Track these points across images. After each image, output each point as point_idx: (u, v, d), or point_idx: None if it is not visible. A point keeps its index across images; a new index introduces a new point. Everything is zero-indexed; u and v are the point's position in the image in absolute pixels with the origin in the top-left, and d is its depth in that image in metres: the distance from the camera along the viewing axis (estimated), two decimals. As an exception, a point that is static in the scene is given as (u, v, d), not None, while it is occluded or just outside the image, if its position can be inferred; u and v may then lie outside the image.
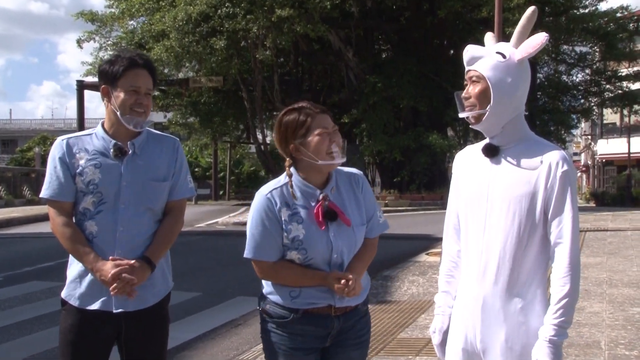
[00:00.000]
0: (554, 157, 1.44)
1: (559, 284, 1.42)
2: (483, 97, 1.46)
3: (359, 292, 1.59)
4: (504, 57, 1.46)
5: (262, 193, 1.63)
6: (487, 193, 1.50)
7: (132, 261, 1.72)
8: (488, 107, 1.46)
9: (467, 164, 1.58)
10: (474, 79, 1.48)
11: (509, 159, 1.49)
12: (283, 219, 1.59)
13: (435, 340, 1.62)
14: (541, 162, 1.44)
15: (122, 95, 1.75)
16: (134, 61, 1.77)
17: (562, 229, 1.43)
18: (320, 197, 1.60)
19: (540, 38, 1.46)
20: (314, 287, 1.60)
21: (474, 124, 1.51)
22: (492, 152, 1.51)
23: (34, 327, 4.25)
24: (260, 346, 2.54)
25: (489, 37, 1.57)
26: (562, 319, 1.41)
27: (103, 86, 1.79)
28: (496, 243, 1.48)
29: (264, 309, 1.66)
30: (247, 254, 1.63)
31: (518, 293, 1.47)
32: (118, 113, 1.76)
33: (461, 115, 1.52)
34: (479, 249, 1.51)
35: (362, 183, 1.69)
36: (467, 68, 1.51)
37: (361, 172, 1.74)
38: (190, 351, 3.74)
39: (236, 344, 3.86)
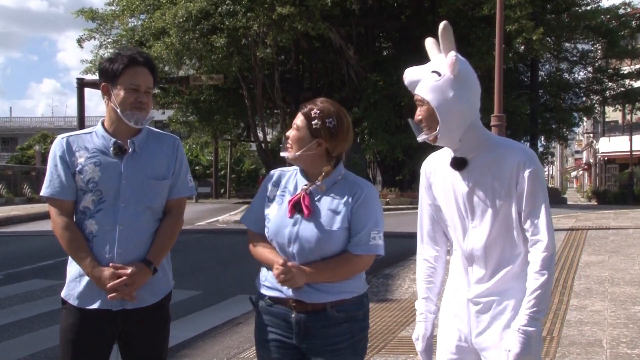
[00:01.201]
0: (519, 158, 1.48)
1: (533, 277, 1.47)
2: (431, 119, 1.49)
3: (296, 284, 1.57)
4: (439, 75, 1.48)
5: (276, 170, 1.76)
6: (464, 202, 1.54)
7: (129, 270, 1.72)
8: (437, 127, 1.49)
9: (438, 173, 1.61)
10: (419, 102, 1.51)
11: (477, 168, 1.52)
12: (268, 195, 1.71)
13: (419, 347, 1.63)
14: (509, 165, 1.48)
15: (122, 93, 1.75)
16: (134, 59, 1.77)
17: (536, 225, 1.47)
18: (303, 188, 1.66)
19: (450, 58, 1.46)
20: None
21: (434, 144, 1.55)
22: (460, 165, 1.54)
23: (34, 326, 4.24)
24: (261, 345, 2.50)
25: (429, 43, 1.57)
26: (535, 309, 1.46)
27: (103, 84, 1.79)
28: (480, 247, 1.53)
29: (251, 297, 1.73)
30: (240, 216, 1.78)
31: (508, 291, 1.51)
32: (118, 110, 1.76)
33: (419, 139, 1.55)
34: (464, 252, 1.55)
35: (361, 196, 1.63)
36: (411, 92, 1.54)
37: (370, 186, 1.69)
38: (190, 350, 3.73)
39: (237, 342, 3.85)
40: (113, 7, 19.10)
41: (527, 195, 1.47)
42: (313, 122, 1.63)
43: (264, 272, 1.69)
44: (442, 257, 1.66)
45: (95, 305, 1.74)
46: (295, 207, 1.62)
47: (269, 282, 1.65)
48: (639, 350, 3.25)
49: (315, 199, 1.64)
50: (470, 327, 1.54)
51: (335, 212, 1.63)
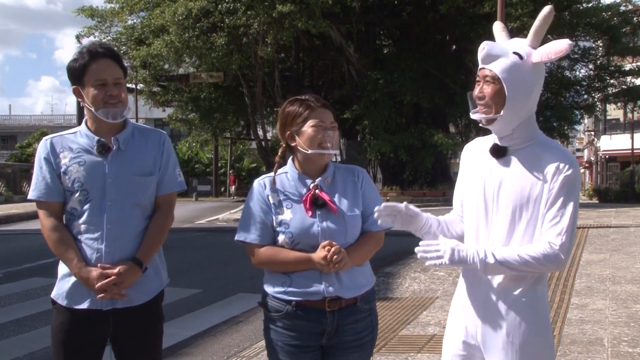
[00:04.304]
0: (560, 160, 1.42)
1: (535, 248, 1.39)
2: (497, 99, 1.43)
3: (346, 267, 1.58)
4: (521, 58, 1.41)
5: (257, 180, 1.71)
6: (493, 193, 1.49)
7: (117, 269, 1.69)
8: (501, 110, 1.43)
9: (475, 158, 1.57)
10: (488, 79, 1.44)
11: (516, 161, 1.47)
12: (272, 202, 1.65)
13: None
14: (548, 166, 1.44)
15: (91, 90, 1.72)
16: (95, 53, 1.72)
17: (556, 227, 1.40)
18: (311, 185, 1.64)
19: (564, 45, 1.39)
20: (304, 274, 1.60)
21: (485, 125, 1.49)
22: (499, 153, 1.49)
23: (33, 324, 4.25)
24: (261, 343, 2.51)
25: (498, 28, 1.52)
26: (503, 256, 1.39)
27: (74, 87, 1.76)
28: (500, 241, 1.48)
29: (262, 302, 1.68)
30: (236, 236, 1.67)
31: (520, 290, 1.47)
32: (92, 109, 1.73)
33: (473, 116, 1.49)
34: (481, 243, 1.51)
35: (363, 177, 1.73)
36: (481, 66, 1.46)
37: (363, 169, 1.76)
38: (190, 348, 3.72)
39: (237, 340, 3.84)
40: (112, 5, 19.06)
41: (556, 195, 1.41)
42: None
43: (279, 278, 1.63)
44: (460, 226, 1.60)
45: (84, 305, 1.71)
46: (314, 205, 1.61)
47: (296, 287, 1.60)
48: (640, 349, 3.24)
49: (326, 191, 1.65)
50: (476, 324, 1.52)
51: (351, 198, 1.66)
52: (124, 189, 1.73)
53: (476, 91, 1.47)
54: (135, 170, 1.75)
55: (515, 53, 1.42)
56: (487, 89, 1.44)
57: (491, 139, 1.54)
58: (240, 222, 1.67)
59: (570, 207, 1.41)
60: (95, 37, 19.25)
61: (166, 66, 19.04)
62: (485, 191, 1.50)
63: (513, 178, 1.47)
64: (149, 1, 17.84)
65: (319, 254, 1.57)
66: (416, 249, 1.44)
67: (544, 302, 1.50)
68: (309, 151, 1.62)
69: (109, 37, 19.30)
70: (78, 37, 19.09)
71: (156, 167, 1.79)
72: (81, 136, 1.77)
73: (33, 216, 12.82)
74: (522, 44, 1.46)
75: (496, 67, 1.43)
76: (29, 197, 1.79)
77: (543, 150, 1.46)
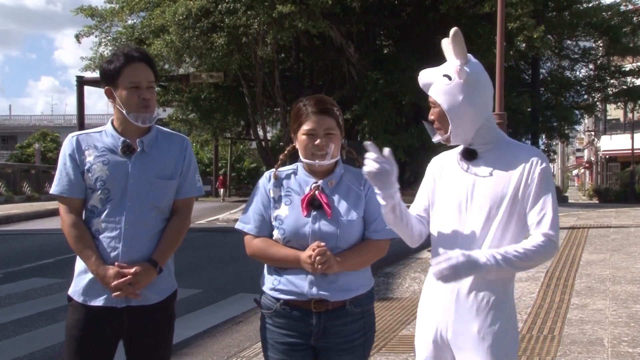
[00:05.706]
0: (531, 155, 1.51)
1: (531, 241, 1.44)
2: (443, 120, 1.54)
3: (331, 269, 1.56)
4: (450, 78, 1.52)
5: (266, 172, 1.74)
6: (467, 194, 1.54)
7: (133, 269, 1.72)
8: (449, 128, 1.53)
9: (444, 167, 1.62)
10: (431, 104, 1.56)
11: (486, 161, 1.54)
12: (272, 196, 1.66)
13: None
14: (520, 162, 1.50)
15: (124, 93, 1.75)
16: (131, 56, 1.76)
17: (544, 220, 1.45)
18: (313, 185, 1.64)
19: (455, 67, 1.50)
20: (294, 274, 1.60)
21: (446, 142, 1.58)
22: (470, 155, 1.56)
23: (33, 324, 4.23)
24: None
25: (444, 44, 1.59)
26: (507, 256, 1.42)
27: (106, 87, 1.79)
28: (473, 240, 1.51)
29: (256, 299, 1.70)
30: (236, 224, 1.72)
31: (492, 288, 1.50)
32: (124, 111, 1.76)
33: (434, 140, 1.59)
34: (455, 244, 1.53)
35: (369, 183, 1.68)
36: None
37: None
38: (191, 348, 3.73)
39: (237, 340, 3.84)
40: (112, 5, 19.06)
41: (537, 191, 1.48)
42: (340, 120, 1.67)
43: (272, 276, 1.65)
44: (422, 226, 1.61)
45: (99, 303, 1.74)
46: (311, 205, 1.61)
47: (283, 286, 1.62)
48: (640, 349, 3.24)
49: (327, 193, 1.65)
50: (447, 323, 1.53)
51: (352, 202, 1.65)
52: (144, 190, 1.76)
53: (429, 116, 1.60)
54: (157, 173, 1.78)
55: (445, 75, 1.54)
56: (434, 113, 1.57)
57: (456, 150, 1.61)
58: (243, 211, 1.71)
59: (551, 198, 1.48)
60: (95, 37, 19.27)
61: (166, 66, 19.04)
62: (459, 193, 1.55)
63: (485, 178, 1.53)
64: (149, 1, 17.85)
65: (306, 253, 1.57)
66: (432, 271, 1.46)
67: (512, 300, 1.55)
68: (303, 160, 1.65)
69: (109, 37, 19.31)
70: (77, 37, 19.09)
71: (177, 172, 1.82)
72: (106, 136, 1.80)
73: (33, 216, 12.81)
74: (449, 66, 1.56)
75: (432, 92, 1.55)
76: (51, 191, 1.82)
77: (511, 149, 1.55)
